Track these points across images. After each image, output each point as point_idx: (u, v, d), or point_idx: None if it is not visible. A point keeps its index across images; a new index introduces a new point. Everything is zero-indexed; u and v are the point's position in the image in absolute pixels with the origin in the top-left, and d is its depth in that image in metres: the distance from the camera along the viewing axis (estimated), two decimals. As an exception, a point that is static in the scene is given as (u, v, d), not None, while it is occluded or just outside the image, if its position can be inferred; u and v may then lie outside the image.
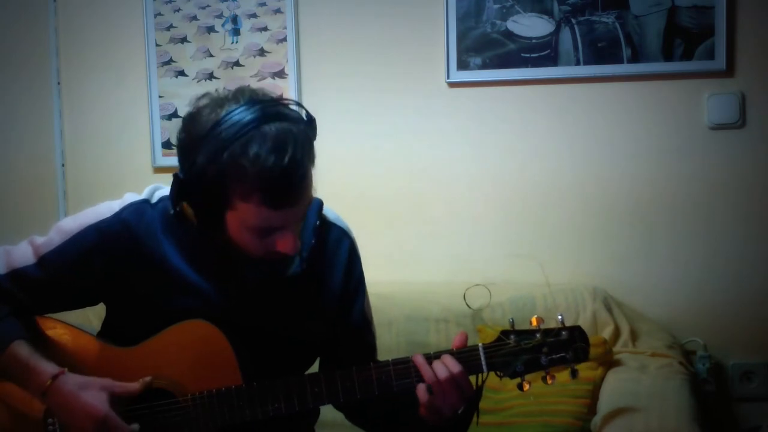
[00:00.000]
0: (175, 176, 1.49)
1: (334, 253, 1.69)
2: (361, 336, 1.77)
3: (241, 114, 1.42)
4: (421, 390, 1.55)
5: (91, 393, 1.52)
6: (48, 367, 1.53)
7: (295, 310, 1.65)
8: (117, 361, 1.61)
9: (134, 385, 1.56)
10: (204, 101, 1.49)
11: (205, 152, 1.42)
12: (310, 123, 1.52)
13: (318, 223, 1.65)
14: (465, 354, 1.58)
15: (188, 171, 1.45)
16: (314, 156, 1.50)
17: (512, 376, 1.58)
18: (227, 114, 1.43)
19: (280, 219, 1.47)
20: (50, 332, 1.64)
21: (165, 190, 1.61)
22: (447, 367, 1.55)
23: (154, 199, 1.62)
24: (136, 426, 1.54)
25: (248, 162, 1.40)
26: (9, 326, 1.57)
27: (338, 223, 1.72)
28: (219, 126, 1.42)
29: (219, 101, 1.47)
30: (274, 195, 1.42)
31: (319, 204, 1.67)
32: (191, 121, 1.48)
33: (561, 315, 1.63)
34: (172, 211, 1.52)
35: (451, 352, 1.58)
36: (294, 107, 1.51)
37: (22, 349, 1.54)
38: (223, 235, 1.51)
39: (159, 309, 1.59)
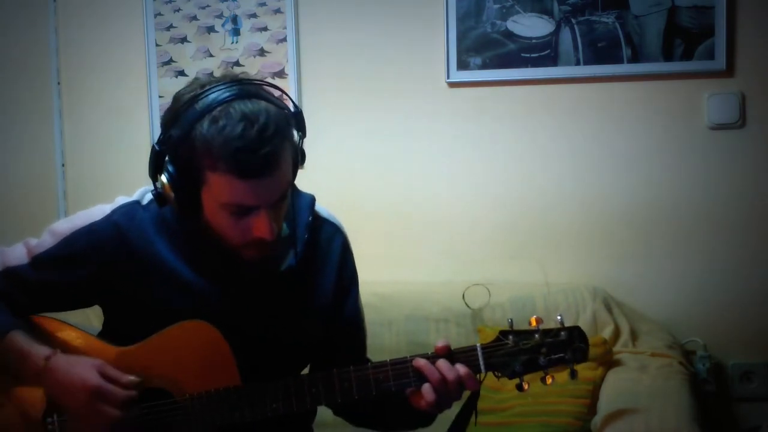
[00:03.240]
0: (152, 148, 1.51)
1: (327, 248, 1.70)
2: (353, 331, 1.77)
3: (218, 91, 1.47)
4: (427, 391, 1.54)
5: (82, 368, 1.53)
6: (41, 350, 1.55)
7: (289, 306, 1.65)
8: (116, 360, 1.60)
9: (127, 377, 1.54)
10: (192, 83, 1.54)
11: (179, 125, 1.47)
12: (296, 115, 1.54)
13: (310, 219, 1.66)
14: (463, 354, 1.57)
15: (163, 143, 1.49)
16: (292, 140, 1.51)
17: (510, 377, 1.58)
18: (204, 91, 1.48)
19: (251, 193, 1.47)
20: (49, 332, 1.64)
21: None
22: (455, 369, 1.54)
23: (145, 201, 1.63)
24: (133, 379, 1.54)
25: (216, 131, 1.43)
26: (2, 317, 1.58)
27: (331, 219, 1.73)
28: (194, 101, 1.47)
29: (203, 82, 1.52)
30: (239, 162, 1.43)
31: (311, 200, 1.68)
32: (174, 99, 1.53)
33: (560, 315, 1.62)
34: (153, 192, 1.54)
35: (451, 352, 1.58)
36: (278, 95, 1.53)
37: (17, 337, 1.56)
38: (202, 219, 1.52)
39: (154, 309, 1.59)
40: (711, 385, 2.50)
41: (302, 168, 1.57)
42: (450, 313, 2.48)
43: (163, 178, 1.50)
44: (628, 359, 2.30)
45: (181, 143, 1.46)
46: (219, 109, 1.45)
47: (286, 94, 1.59)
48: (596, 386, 2.19)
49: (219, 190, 1.47)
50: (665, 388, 2.09)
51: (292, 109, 1.54)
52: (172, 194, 1.50)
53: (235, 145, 1.42)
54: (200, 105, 1.46)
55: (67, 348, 1.62)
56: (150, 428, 1.56)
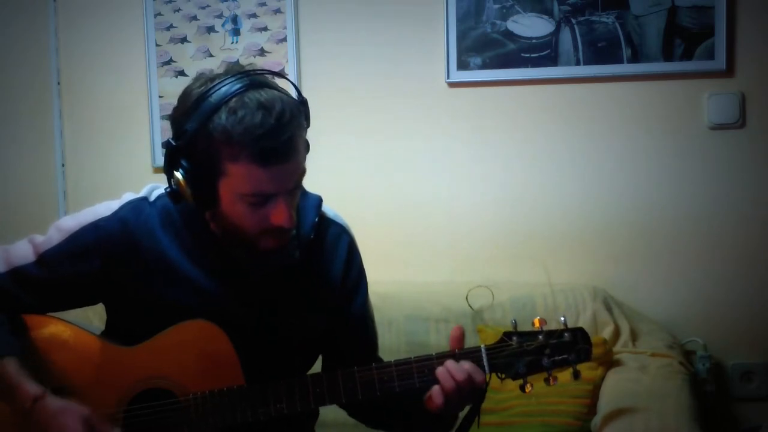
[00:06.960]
0: (168, 143, 1.51)
1: (333, 248, 1.70)
2: (362, 331, 1.77)
3: (230, 83, 1.48)
4: (436, 393, 1.55)
5: (69, 418, 1.51)
6: (30, 389, 1.52)
7: (294, 305, 1.65)
8: (119, 360, 1.61)
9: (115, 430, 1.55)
10: (198, 78, 1.54)
11: (195, 119, 1.47)
12: (303, 103, 1.55)
13: (317, 219, 1.66)
14: (467, 355, 1.57)
15: (179, 139, 1.49)
16: (304, 127, 1.53)
17: (514, 378, 1.58)
18: (215, 84, 1.48)
19: (271, 180, 1.47)
20: (53, 332, 1.64)
21: (163, 188, 1.61)
22: (462, 367, 1.54)
23: (153, 197, 1.64)
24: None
25: (235, 122, 1.44)
26: (2, 336, 1.56)
27: (337, 220, 1.73)
28: (207, 94, 1.47)
29: (211, 77, 1.52)
30: (261, 149, 1.44)
31: (318, 200, 1.69)
32: (183, 95, 1.53)
33: (564, 317, 1.63)
34: (167, 189, 1.53)
35: (456, 354, 1.58)
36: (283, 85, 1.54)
37: (10, 366, 1.54)
38: (218, 212, 1.52)
39: (158, 306, 1.59)
40: (711, 385, 2.50)
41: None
42: (450, 313, 2.47)
43: (178, 174, 1.50)
44: (628, 359, 2.30)
45: (197, 137, 1.47)
46: (234, 99, 1.45)
47: (292, 83, 1.60)
48: (596, 386, 2.19)
49: (240, 180, 1.47)
50: (665, 388, 2.09)
51: (296, 98, 1.55)
52: (187, 190, 1.50)
53: (256, 133, 1.43)
54: (214, 97, 1.46)
55: (69, 347, 1.62)
56: (152, 429, 1.56)
